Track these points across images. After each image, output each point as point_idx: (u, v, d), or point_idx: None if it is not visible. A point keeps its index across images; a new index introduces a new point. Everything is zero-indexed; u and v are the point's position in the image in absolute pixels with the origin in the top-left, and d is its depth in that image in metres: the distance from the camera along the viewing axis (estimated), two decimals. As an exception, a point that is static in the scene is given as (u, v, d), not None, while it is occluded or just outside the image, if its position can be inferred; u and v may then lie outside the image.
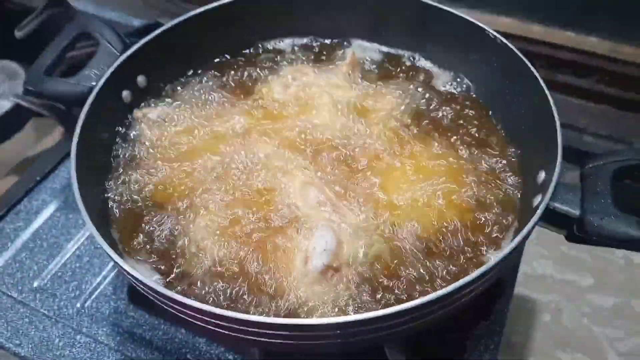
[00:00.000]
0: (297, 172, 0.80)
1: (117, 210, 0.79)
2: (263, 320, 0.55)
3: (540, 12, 1.53)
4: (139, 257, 0.74)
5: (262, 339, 0.59)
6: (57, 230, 0.97)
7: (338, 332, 0.57)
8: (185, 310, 0.58)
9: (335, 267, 0.68)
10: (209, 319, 0.57)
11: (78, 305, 0.87)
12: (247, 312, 0.65)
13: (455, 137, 0.85)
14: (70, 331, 0.84)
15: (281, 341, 0.59)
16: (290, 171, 0.80)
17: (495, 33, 0.84)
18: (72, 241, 0.96)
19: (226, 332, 0.59)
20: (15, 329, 0.84)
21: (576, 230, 0.66)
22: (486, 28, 0.85)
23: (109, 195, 0.80)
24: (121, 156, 0.85)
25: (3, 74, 1.26)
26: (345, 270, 0.69)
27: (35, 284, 0.90)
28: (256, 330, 0.57)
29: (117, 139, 0.87)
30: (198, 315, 0.58)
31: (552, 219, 0.66)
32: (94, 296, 0.88)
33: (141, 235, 0.75)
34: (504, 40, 0.83)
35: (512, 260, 0.66)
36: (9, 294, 0.89)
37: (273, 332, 0.57)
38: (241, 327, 0.57)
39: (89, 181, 0.75)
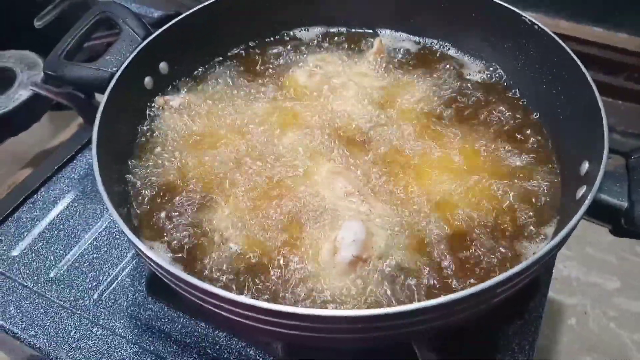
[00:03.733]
0: (323, 162, 0.77)
1: (137, 197, 0.76)
2: (285, 310, 0.52)
3: (568, 8, 1.49)
4: (159, 244, 0.71)
5: (284, 330, 0.56)
6: (74, 220, 0.95)
7: (364, 325, 0.53)
8: (206, 298, 0.55)
9: (365, 258, 0.65)
10: (229, 307, 0.54)
11: (95, 296, 0.85)
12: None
13: (488, 128, 0.82)
14: (86, 323, 0.81)
15: (303, 333, 0.55)
16: (316, 160, 0.77)
17: (532, 19, 0.81)
18: (90, 231, 0.93)
19: (247, 321, 0.56)
20: (30, 320, 0.82)
21: (624, 223, 0.62)
22: (522, 13, 0.81)
23: (129, 181, 0.78)
24: (142, 142, 0.83)
25: (22, 63, 1.25)
26: (375, 262, 0.65)
27: (52, 275, 0.88)
28: (278, 320, 0.54)
29: (139, 125, 0.84)
30: (218, 303, 0.55)
31: (598, 211, 0.62)
32: (111, 288, 0.86)
33: (161, 223, 0.73)
34: (542, 27, 0.79)
35: (553, 256, 0.62)
36: (25, 284, 0.86)
37: (295, 322, 0.54)
38: (263, 317, 0.54)
39: (110, 166, 0.73)
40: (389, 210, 0.71)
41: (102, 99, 0.75)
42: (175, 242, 0.71)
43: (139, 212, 0.75)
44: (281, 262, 0.67)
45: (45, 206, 0.97)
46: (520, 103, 0.86)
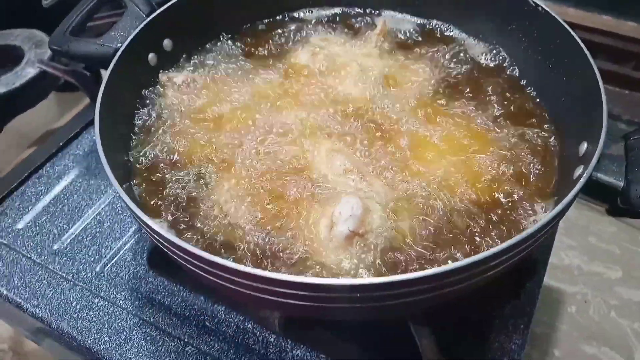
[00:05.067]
0: (323, 139, 0.77)
1: (139, 172, 0.77)
2: (280, 278, 0.52)
3: (576, -6, 1.48)
4: (160, 220, 0.72)
5: (280, 299, 0.57)
6: (78, 196, 0.96)
7: (358, 295, 0.54)
8: (204, 266, 0.56)
9: (361, 233, 0.65)
10: (228, 276, 0.55)
11: (97, 269, 0.86)
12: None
13: (489, 108, 0.82)
14: (88, 294, 0.83)
15: (298, 302, 0.56)
16: (317, 138, 0.78)
17: (536, 0, 0.80)
18: (94, 207, 0.94)
19: (242, 289, 0.56)
20: (33, 290, 0.83)
21: (620, 203, 0.62)
22: (525, -5, 0.81)
23: (132, 156, 0.79)
24: (145, 119, 0.84)
25: (30, 42, 1.26)
26: (372, 237, 0.66)
27: (55, 247, 0.89)
28: (274, 288, 0.54)
29: (142, 102, 0.85)
30: (217, 271, 0.56)
31: (594, 190, 0.63)
32: (113, 261, 0.87)
33: (163, 198, 0.74)
34: (545, 8, 0.79)
35: (548, 233, 0.62)
36: (29, 255, 0.88)
37: (290, 291, 0.54)
38: (258, 285, 0.55)
39: (113, 142, 0.74)
40: (387, 187, 0.72)
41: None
42: (175, 216, 0.72)
43: (140, 188, 0.76)
44: (278, 236, 0.68)
45: (50, 181, 0.99)
46: (522, 85, 0.86)
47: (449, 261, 0.65)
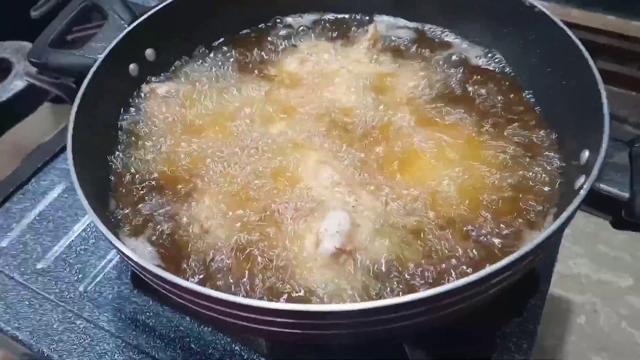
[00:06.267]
0: (310, 150, 0.74)
1: (119, 187, 0.74)
2: (264, 306, 0.49)
3: (579, -6, 1.44)
4: (140, 238, 0.69)
5: (266, 327, 0.54)
6: (63, 212, 0.93)
7: (350, 320, 0.50)
8: (184, 295, 0.53)
9: (349, 250, 0.61)
10: (204, 302, 0.51)
11: (81, 289, 0.83)
12: (250, 298, 0.59)
13: (486, 116, 0.78)
14: (70, 315, 0.79)
15: (286, 330, 0.53)
16: (304, 149, 0.74)
17: (532, 1, 0.76)
18: (79, 223, 0.91)
19: (226, 317, 0.53)
20: (15, 312, 0.80)
21: (624, 215, 0.58)
22: (520, -4, 0.77)
23: (112, 170, 0.76)
24: (126, 131, 0.81)
25: (18, 54, 1.24)
26: (360, 255, 0.62)
27: (39, 266, 0.86)
28: (258, 317, 0.51)
29: (123, 114, 0.82)
30: (197, 300, 0.52)
31: (597, 201, 0.59)
32: (97, 280, 0.84)
33: (142, 215, 0.71)
34: (542, 9, 0.75)
35: (548, 248, 0.58)
36: (11, 275, 0.85)
37: (276, 319, 0.51)
38: (242, 313, 0.51)
39: (91, 155, 0.71)
40: (377, 201, 0.68)
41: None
42: (156, 235, 0.69)
43: (120, 203, 0.73)
44: (262, 253, 0.64)
45: (35, 197, 0.96)
46: (520, 90, 0.81)
47: (446, 280, 0.61)
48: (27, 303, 0.81)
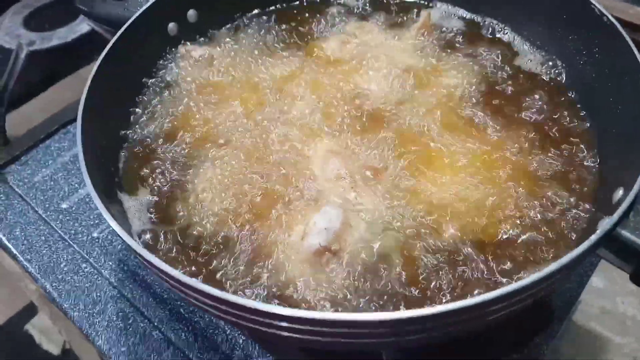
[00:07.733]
0: (324, 137, 0.70)
1: (132, 146, 0.75)
2: (233, 300, 0.46)
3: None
4: (139, 198, 0.69)
5: (243, 322, 0.51)
6: (97, 157, 0.96)
7: (317, 328, 0.47)
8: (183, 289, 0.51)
9: (334, 250, 0.58)
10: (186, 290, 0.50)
11: (95, 234, 0.86)
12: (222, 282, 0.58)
13: (528, 128, 0.70)
14: (78, 258, 0.82)
15: (259, 327, 0.50)
16: (318, 135, 0.71)
17: (602, 9, 0.67)
18: (107, 170, 0.94)
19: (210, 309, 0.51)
20: (30, 244, 0.84)
21: (645, 271, 0.50)
22: (592, 1, 0.68)
23: (131, 122, 0.77)
24: (153, 88, 0.81)
25: None
26: (346, 256, 0.58)
27: (63, 206, 0.90)
28: (230, 310, 0.49)
29: (154, 71, 0.82)
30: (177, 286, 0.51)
31: (618, 249, 0.51)
32: (111, 228, 0.86)
33: (147, 175, 0.71)
34: (612, 19, 0.65)
35: (550, 289, 0.51)
36: (36, 209, 0.89)
37: (246, 315, 0.49)
38: (216, 304, 0.49)
39: (109, 109, 0.72)
40: (380, 204, 0.63)
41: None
42: (155, 197, 0.69)
43: (129, 163, 0.73)
44: (249, 235, 0.62)
45: (74, 138, 0.99)
46: (573, 106, 0.72)
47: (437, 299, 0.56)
48: (44, 239, 0.85)
